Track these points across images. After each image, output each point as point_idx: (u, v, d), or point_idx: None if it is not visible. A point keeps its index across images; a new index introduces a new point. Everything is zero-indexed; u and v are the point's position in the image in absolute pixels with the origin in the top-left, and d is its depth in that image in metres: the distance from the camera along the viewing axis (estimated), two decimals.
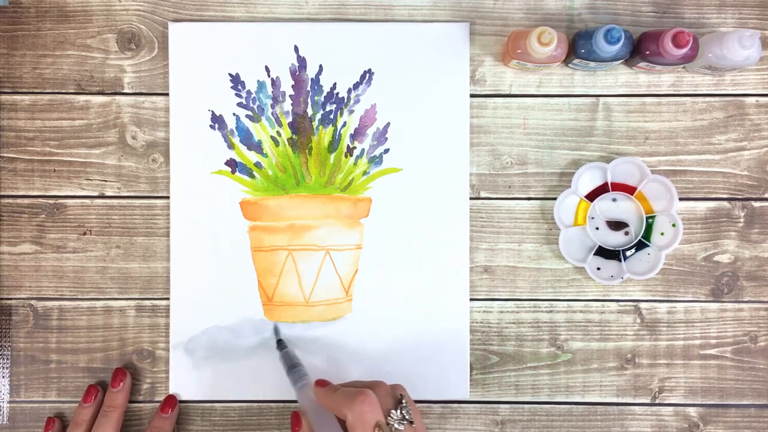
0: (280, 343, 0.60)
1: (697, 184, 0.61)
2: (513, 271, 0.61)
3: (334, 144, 0.61)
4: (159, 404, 0.60)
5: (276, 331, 0.60)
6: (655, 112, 0.61)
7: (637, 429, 0.61)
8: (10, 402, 0.61)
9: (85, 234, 0.61)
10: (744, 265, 0.61)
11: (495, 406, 0.61)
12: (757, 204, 0.61)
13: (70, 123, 0.61)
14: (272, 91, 0.61)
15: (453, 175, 0.60)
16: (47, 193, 0.61)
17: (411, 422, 0.49)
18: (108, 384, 0.60)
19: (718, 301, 0.61)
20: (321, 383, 0.53)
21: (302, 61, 0.60)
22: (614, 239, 0.61)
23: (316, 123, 0.61)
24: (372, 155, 0.61)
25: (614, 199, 0.61)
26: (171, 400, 0.59)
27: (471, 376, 0.61)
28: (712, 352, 0.61)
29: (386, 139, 0.61)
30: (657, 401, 0.61)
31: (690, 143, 0.61)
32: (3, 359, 0.61)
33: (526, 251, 0.61)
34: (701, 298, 0.61)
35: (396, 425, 0.49)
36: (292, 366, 0.57)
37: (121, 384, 0.59)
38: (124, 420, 0.60)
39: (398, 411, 0.50)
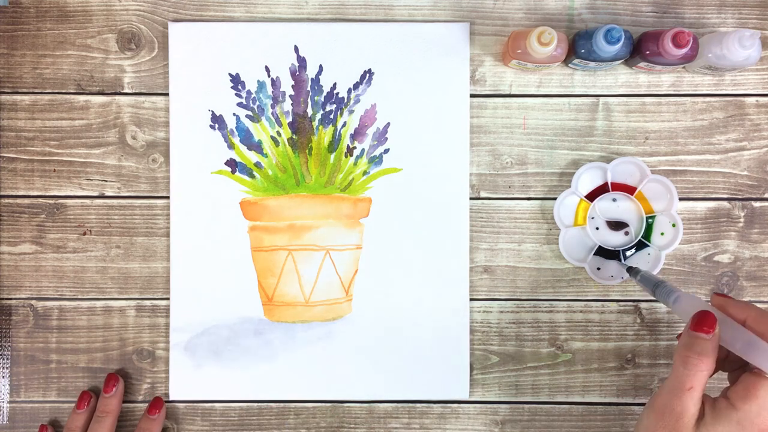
0: (632, 270, 0.58)
1: (697, 184, 0.61)
2: (513, 271, 0.61)
3: (334, 144, 0.61)
4: (146, 406, 0.60)
5: (623, 258, 0.59)
6: (655, 112, 0.61)
7: None
8: (10, 402, 0.61)
9: (85, 234, 0.61)
10: (744, 265, 0.61)
11: (495, 406, 0.61)
12: (757, 204, 0.61)
13: (70, 123, 0.61)
14: (272, 91, 0.61)
15: (453, 175, 0.60)
16: (47, 193, 0.61)
17: None
18: (101, 389, 0.60)
19: None
20: (723, 295, 0.49)
21: (302, 61, 0.60)
22: (614, 239, 0.61)
23: (316, 123, 0.61)
24: (372, 155, 0.61)
25: (614, 199, 0.61)
26: (158, 402, 0.60)
27: (471, 376, 0.61)
28: None
29: (386, 139, 0.61)
30: None
31: (690, 143, 0.61)
32: (3, 359, 0.61)
33: (526, 251, 0.61)
34: (701, 298, 0.61)
35: None
36: (657, 283, 0.54)
37: (113, 389, 0.59)
38: (122, 421, 0.60)
39: None
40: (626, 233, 0.61)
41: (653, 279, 0.55)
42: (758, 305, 0.61)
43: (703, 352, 0.46)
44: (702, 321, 0.47)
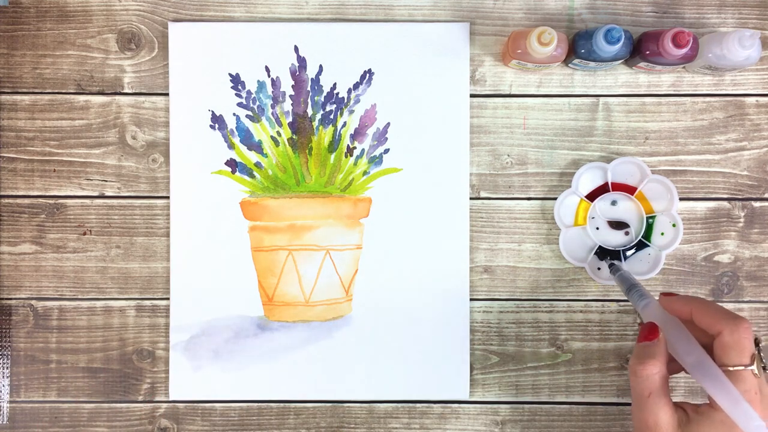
0: (613, 267, 0.58)
1: (697, 184, 0.61)
2: (513, 271, 0.61)
3: (334, 144, 0.61)
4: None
5: (605, 254, 0.59)
6: (655, 112, 0.61)
7: None
8: (10, 402, 0.61)
9: (85, 234, 0.61)
10: (744, 265, 0.61)
11: (495, 406, 0.61)
12: (757, 204, 0.61)
13: (70, 123, 0.61)
14: (272, 91, 0.61)
15: (453, 175, 0.60)
16: (47, 193, 0.61)
17: (765, 368, 0.46)
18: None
19: (718, 301, 0.61)
20: (670, 294, 0.50)
21: (302, 61, 0.60)
22: (614, 239, 0.61)
23: (316, 123, 0.61)
24: (372, 155, 0.61)
25: (614, 200, 0.61)
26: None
27: (471, 376, 0.61)
28: None
29: (386, 139, 0.61)
30: None
31: (690, 143, 0.61)
32: (3, 359, 0.61)
33: (526, 251, 0.61)
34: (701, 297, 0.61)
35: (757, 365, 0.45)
36: (632, 286, 0.54)
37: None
38: (123, 420, 0.59)
39: (758, 352, 0.46)
40: (626, 233, 0.61)
41: (629, 280, 0.55)
42: (758, 306, 0.61)
43: (646, 357, 0.47)
44: (645, 332, 0.48)
